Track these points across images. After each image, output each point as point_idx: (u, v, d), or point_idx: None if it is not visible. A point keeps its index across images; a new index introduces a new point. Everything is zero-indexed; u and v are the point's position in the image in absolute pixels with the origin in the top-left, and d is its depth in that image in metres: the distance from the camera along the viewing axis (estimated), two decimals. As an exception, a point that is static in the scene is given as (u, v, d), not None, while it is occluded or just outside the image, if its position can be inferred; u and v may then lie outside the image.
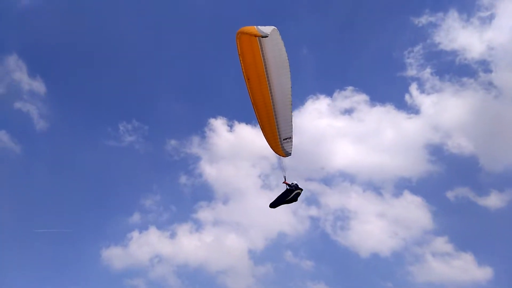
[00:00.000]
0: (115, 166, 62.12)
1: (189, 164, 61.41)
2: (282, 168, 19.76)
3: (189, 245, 53.14)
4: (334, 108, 61.99)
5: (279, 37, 16.38)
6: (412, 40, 61.35)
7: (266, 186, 54.11)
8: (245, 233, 50.58)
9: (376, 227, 52.09)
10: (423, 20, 58.88)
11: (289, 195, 19.71)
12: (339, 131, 61.21)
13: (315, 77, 67.48)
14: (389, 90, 64.27)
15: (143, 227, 54.67)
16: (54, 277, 48.45)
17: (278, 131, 19.40)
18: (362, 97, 61.14)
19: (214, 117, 63.73)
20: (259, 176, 56.38)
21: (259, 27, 15.06)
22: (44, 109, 55.71)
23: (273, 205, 20.01)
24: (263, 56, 16.53)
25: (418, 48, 59.02)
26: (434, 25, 58.47)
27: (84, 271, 50.62)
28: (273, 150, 19.93)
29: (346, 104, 61.30)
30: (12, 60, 51.48)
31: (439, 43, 57.83)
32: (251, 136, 60.96)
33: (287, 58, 16.98)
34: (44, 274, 48.20)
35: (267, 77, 17.30)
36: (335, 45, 68.89)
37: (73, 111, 62.50)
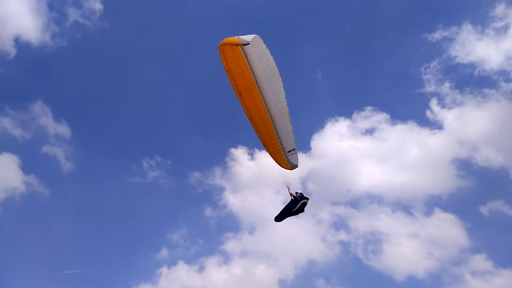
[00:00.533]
0: (141, 203, 62.83)
1: (213, 196, 61.29)
2: (284, 180, 18.83)
3: (218, 278, 51.82)
4: (355, 129, 61.29)
5: (264, 46, 15.90)
6: (428, 56, 60.86)
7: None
8: (274, 263, 49.26)
9: (409, 248, 50.42)
10: (437, 35, 59.06)
11: (295, 206, 18.69)
12: (362, 152, 60.29)
13: (332, 100, 67.65)
14: (410, 107, 63.45)
15: (171, 262, 53.90)
16: None
17: (281, 144, 18.64)
18: (382, 116, 60.41)
19: (235, 146, 63.65)
20: (284, 203, 55.09)
21: (240, 36, 14.74)
22: (69, 151, 57.53)
23: (278, 218, 18.99)
24: (251, 67, 16.06)
25: (434, 63, 58.70)
26: (448, 39, 58.24)
27: None
28: (279, 165, 19.11)
29: (366, 124, 60.43)
30: (38, 106, 54.17)
31: (455, 57, 57.33)
32: (272, 163, 60.72)
33: (276, 66, 16.41)
34: None
35: (259, 88, 16.74)
36: (349, 67, 69.43)
37: (97, 151, 64.24)
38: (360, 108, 62.25)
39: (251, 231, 54.37)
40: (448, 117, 57.29)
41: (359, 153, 59.97)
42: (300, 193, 19.09)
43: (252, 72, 16.29)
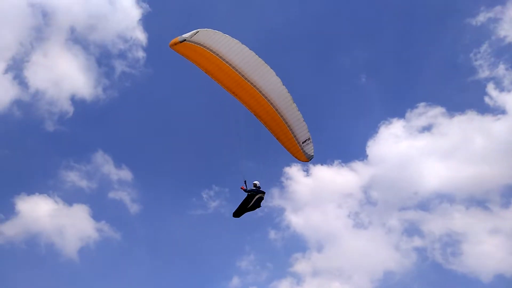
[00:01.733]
0: (206, 234, 65.10)
1: (274, 218, 61.61)
2: (241, 172, 17.09)
3: None
4: (411, 128, 58.25)
5: (223, 36, 14.51)
6: (476, 41, 56.20)
7: (358, 225, 51.89)
8: (349, 279, 46.31)
9: (492, 245, 45.99)
10: (481, 18, 54.89)
11: (250, 201, 16.84)
12: (422, 151, 56.13)
13: (381, 102, 65.58)
14: (466, 97, 58.40)
15: None
16: None
17: (294, 135, 17.47)
18: (438, 110, 56.98)
19: (289, 165, 64.07)
20: (348, 215, 53.37)
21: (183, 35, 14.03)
22: (133, 194, 62.39)
23: (236, 214, 17.27)
24: (227, 62, 14.81)
25: (484, 47, 54.14)
26: (494, 20, 53.49)
27: None
28: (296, 157, 17.90)
29: (422, 121, 56.33)
30: (99, 156, 60.22)
31: (505, 37, 52.30)
32: (329, 176, 59.11)
33: (254, 54, 15.01)
34: None
35: (250, 82, 15.73)
36: (394, 65, 66.28)
37: (159, 189, 68.51)
38: (413, 106, 60.29)
39: (319, 249, 52.63)
40: (509, 100, 52.28)
41: (420, 152, 55.62)
42: (258, 186, 17.21)
43: (233, 67, 15.02)
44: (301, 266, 50.81)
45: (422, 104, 57.02)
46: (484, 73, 55.31)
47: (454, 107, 58.67)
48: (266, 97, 16.21)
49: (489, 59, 55.23)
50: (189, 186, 69.44)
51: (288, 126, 17.20)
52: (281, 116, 16.96)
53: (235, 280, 54.88)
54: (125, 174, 64.36)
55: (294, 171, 60.37)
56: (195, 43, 14.22)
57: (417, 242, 48.56)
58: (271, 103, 16.48)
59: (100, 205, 62.38)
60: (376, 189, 54.32)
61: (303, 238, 53.70)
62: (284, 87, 16.08)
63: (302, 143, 17.48)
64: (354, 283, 44.90)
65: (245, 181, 17.07)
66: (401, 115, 60.22)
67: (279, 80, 15.83)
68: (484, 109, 54.29)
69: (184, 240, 63.07)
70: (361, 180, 56.82)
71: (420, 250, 48.27)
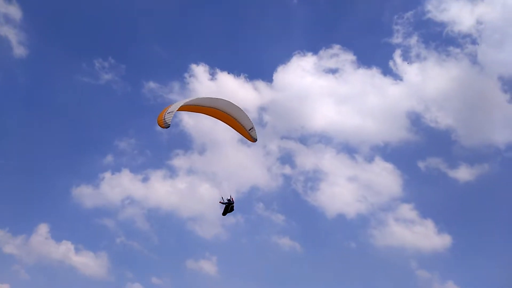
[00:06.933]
0: (91, 104, 60.32)
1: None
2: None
3: (161, 190, 53.24)
4: (320, 67, 59.24)
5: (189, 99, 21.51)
6: (403, 6, 59.43)
7: (244, 140, 54.69)
8: (219, 184, 47.49)
9: (345, 189, 52.70)
10: None
11: (227, 208, 25.14)
12: (322, 91, 58.81)
13: (303, 32, 63.94)
14: (376, 54, 61.80)
15: (115, 169, 54.07)
16: (23, 210, 49.95)
17: (243, 125, 26.00)
18: (349, 56, 58.38)
19: (196, 63, 60.80)
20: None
21: (165, 116, 19.56)
22: (21, 35, 54.99)
23: (223, 213, 25.38)
24: (198, 105, 22.74)
25: (408, 15, 57.35)
26: None
27: (53, 207, 51.91)
28: (244, 137, 26.89)
29: (331, 63, 58.70)
30: None
31: (428, 12, 55.73)
32: (233, 87, 59.22)
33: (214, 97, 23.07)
34: (11, 208, 48.89)
35: (217, 108, 23.51)
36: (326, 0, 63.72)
37: (50, 39, 60.21)
38: (328, 45, 60.53)
39: (202, 151, 54.37)
40: (410, 71, 56.80)
41: (320, 91, 58.93)
42: (228, 199, 25.14)
43: (204, 106, 22.79)
44: (179, 162, 54.05)
45: (338, 46, 59.42)
46: (397, 39, 58.46)
47: (364, 59, 59.55)
48: (227, 113, 24.28)
49: (407, 28, 57.99)
50: (80, 49, 60.91)
51: (239, 122, 25.68)
52: (235, 118, 25.26)
53: (109, 158, 54.94)
54: (15, 11, 54.64)
55: (200, 70, 59.04)
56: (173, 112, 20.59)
57: (287, 170, 54.47)
58: (230, 115, 24.61)
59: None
60: (270, 113, 57.13)
61: (189, 138, 55.94)
62: (238, 106, 24.06)
63: (249, 130, 26.27)
64: (222, 188, 50.34)
65: (222, 197, 25.14)
66: (315, 51, 62.31)
67: (234, 104, 23.75)
68: (387, 71, 58.09)
69: (65, 103, 58.42)
70: (260, 100, 58.15)
71: (287, 177, 54.18)
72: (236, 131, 26.29)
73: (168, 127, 19.64)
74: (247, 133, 26.42)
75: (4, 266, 46.26)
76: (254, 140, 26.83)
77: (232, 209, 25.81)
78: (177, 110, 20.48)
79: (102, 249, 49.50)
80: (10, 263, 46.14)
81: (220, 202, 25.36)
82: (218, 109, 24.07)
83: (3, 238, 46.85)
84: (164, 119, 19.75)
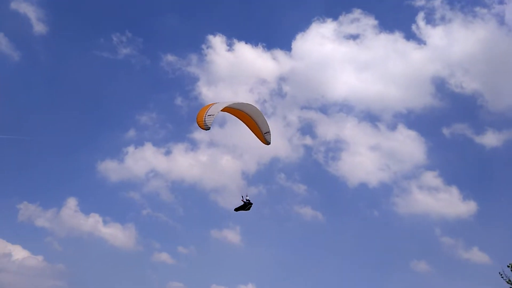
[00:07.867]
0: (111, 79, 62.37)
1: (186, 85, 60.41)
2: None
3: (184, 163, 55.83)
4: (340, 33, 58.84)
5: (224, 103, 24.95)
6: None
7: (262, 111, 58.33)
8: (240, 156, 49.04)
9: (368, 159, 53.37)
10: None
11: (245, 207, 27.09)
12: (343, 58, 57.75)
13: None
14: (397, 18, 60.70)
15: (139, 143, 57.71)
16: (51, 185, 53.07)
17: (259, 128, 29.26)
18: (370, 21, 57.34)
19: (213, 33, 61.85)
20: (257, 101, 56.39)
21: (206, 118, 22.60)
22: (40, 12, 57.35)
23: (236, 209, 27.52)
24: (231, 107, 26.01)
25: None
26: None
27: (80, 182, 55.57)
28: (259, 139, 30.16)
29: (352, 29, 58.25)
30: None
31: None
32: (251, 57, 60.30)
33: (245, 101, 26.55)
34: (40, 183, 52.20)
35: (243, 111, 27.01)
36: None
37: (67, 15, 61.57)
38: (348, 9, 60.58)
39: (222, 124, 55.18)
40: (433, 34, 55.72)
41: (341, 58, 58.13)
42: (248, 199, 27.24)
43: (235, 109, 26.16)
44: (200, 135, 56.27)
45: (358, 10, 58.88)
46: (421, 1, 57.28)
47: (385, 24, 60.02)
48: (252, 118, 27.49)
49: (430, -12, 50.03)
50: (98, 23, 62.62)
51: (258, 126, 28.93)
52: (256, 123, 28.51)
53: (131, 132, 58.70)
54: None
55: (218, 41, 60.34)
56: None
57: (308, 140, 55.76)
58: (253, 119, 27.84)
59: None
60: (289, 84, 57.07)
61: (210, 111, 60.12)
62: (260, 111, 27.37)
63: (264, 134, 29.58)
64: (244, 161, 48.09)
65: (242, 196, 27.34)
66: (335, 16, 61.60)
67: (259, 110, 27.04)
68: (410, 35, 57.91)
69: (86, 79, 61.19)
70: (279, 70, 58.10)
71: (307, 148, 55.40)
72: (253, 133, 29.55)
73: (209, 129, 22.24)
74: (263, 136, 29.79)
75: (37, 239, 50.40)
76: (267, 143, 30.21)
77: (248, 209, 27.92)
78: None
79: (129, 221, 53.35)
80: (43, 235, 50.37)
81: (242, 200, 27.07)
82: (245, 113, 27.36)
83: (35, 212, 50.73)
84: (205, 121, 22.51)
